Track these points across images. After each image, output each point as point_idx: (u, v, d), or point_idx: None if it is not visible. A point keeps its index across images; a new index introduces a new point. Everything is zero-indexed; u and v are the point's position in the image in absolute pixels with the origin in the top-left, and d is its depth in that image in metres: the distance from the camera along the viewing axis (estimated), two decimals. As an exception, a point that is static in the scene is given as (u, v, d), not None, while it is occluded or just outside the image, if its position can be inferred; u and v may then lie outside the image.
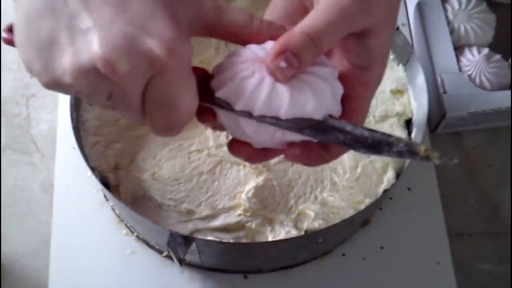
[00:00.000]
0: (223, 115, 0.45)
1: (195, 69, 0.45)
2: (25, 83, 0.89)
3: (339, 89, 0.46)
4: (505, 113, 0.83)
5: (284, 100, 0.43)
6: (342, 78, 0.47)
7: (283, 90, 0.43)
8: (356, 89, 0.48)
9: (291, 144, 0.46)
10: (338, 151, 0.49)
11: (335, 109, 0.46)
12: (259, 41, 0.46)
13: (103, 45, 0.39)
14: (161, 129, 0.44)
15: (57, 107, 0.86)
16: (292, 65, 0.43)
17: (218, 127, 0.48)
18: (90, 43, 0.39)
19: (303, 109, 0.44)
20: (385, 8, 0.46)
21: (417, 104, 0.77)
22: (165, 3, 0.42)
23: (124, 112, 0.44)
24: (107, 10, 0.40)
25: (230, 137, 0.49)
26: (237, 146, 0.48)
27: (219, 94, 0.45)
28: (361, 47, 0.47)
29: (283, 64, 0.43)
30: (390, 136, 0.43)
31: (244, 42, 0.47)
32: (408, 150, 0.43)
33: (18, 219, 0.80)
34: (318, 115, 0.44)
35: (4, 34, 0.51)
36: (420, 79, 0.75)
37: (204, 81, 0.46)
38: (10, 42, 0.50)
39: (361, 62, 0.48)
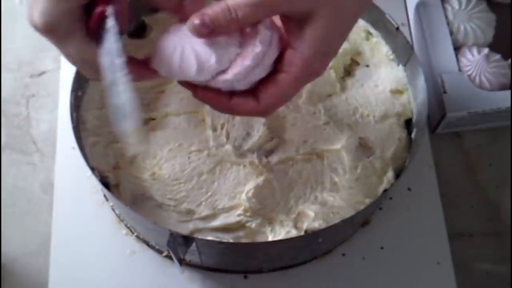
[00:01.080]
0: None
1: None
2: (25, 83, 0.89)
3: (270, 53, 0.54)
4: (505, 113, 0.83)
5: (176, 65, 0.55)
6: None
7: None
8: (282, 63, 0.54)
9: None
10: (269, 99, 0.56)
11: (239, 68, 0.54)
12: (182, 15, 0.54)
13: None
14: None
15: (57, 107, 0.86)
16: (206, 25, 0.51)
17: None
18: None
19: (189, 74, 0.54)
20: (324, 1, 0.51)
21: (417, 104, 0.77)
22: None
23: None
24: None
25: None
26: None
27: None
28: (295, 29, 0.53)
29: (196, 21, 0.51)
30: None
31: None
32: None
33: (18, 219, 0.80)
34: (202, 78, 0.54)
35: None
36: (420, 79, 0.75)
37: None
38: None
39: (293, 44, 0.53)
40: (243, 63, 0.53)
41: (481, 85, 0.83)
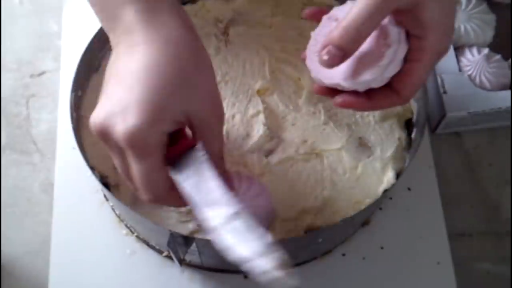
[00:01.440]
0: None
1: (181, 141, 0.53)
2: (25, 83, 0.89)
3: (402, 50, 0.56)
4: (505, 113, 0.83)
5: None
6: None
7: None
8: (411, 53, 0.56)
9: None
10: (408, 89, 0.59)
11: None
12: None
13: (95, 112, 0.52)
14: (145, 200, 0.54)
15: (57, 107, 0.86)
16: (335, 55, 0.54)
17: None
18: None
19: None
20: None
21: (417, 104, 0.77)
22: (160, 95, 0.50)
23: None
24: (115, 87, 0.51)
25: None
26: None
27: None
28: (412, 19, 0.55)
29: (325, 56, 0.54)
30: None
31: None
32: None
33: (18, 219, 0.80)
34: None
35: None
36: (420, 79, 0.75)
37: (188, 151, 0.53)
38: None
39: (415, 32, 0.55)
40: (379, 64, 0.56)
41: (481, 85, 0.83)
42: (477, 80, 0.83)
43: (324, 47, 0.54)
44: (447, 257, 0.77)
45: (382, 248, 0.77)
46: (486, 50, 0.85)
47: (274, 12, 0.86)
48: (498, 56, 0.86)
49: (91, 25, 0.76)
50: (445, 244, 0.78)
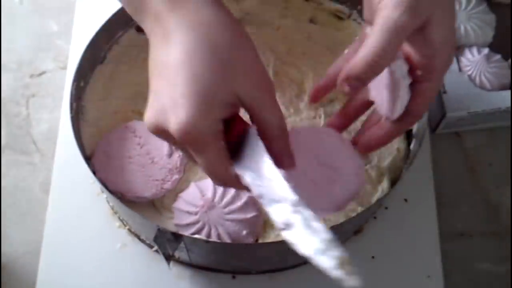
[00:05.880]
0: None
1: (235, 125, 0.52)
2: (25, 83, 0.89)
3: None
4: (505, 113, 0.83)
5: None
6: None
7: None
8: (422, 75, 0.56)
9: None
10: (421, 109, 0.59)
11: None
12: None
13: (147, 113, 0.51)
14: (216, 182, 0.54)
15: (57, 106, 0.86)
16: (356, 86, 0.54)
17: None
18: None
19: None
20: (437, 2, 0.52)
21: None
22: (204, 83, 0.48)
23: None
24: (159, 82, 0.51)
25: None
26: None
27: None
28: (420, 39, 0.54)
29: (347, 89, 0.54)
30: None
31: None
32: None
33: (18, 219, 0.80)
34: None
35: None
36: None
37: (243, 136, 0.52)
38: None
39: (424, 52, 0.55)
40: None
41: (481, 85, 0.83)
42: (477, 80, 0.83)
43: (343, 80, 0.54)
44: (438, 271, 0.75)
45: (373, 257, 0.76)
46: (486, 50, 0.85)
47: (283, 14, 0.85)
48: (498, 56, 0.85)
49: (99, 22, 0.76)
50: (438, 257, 0.76)
